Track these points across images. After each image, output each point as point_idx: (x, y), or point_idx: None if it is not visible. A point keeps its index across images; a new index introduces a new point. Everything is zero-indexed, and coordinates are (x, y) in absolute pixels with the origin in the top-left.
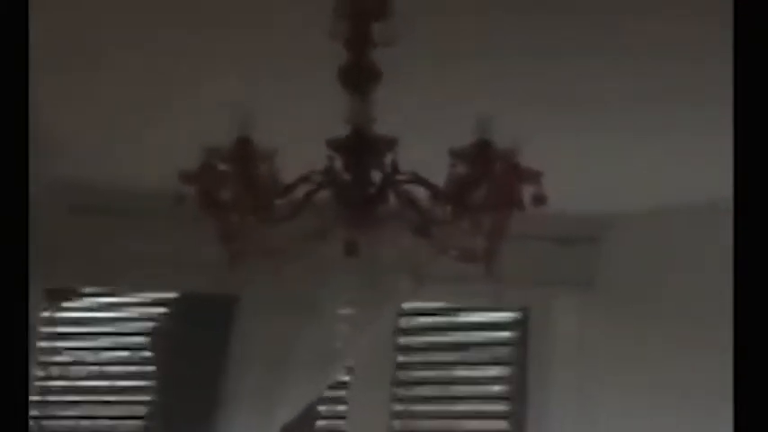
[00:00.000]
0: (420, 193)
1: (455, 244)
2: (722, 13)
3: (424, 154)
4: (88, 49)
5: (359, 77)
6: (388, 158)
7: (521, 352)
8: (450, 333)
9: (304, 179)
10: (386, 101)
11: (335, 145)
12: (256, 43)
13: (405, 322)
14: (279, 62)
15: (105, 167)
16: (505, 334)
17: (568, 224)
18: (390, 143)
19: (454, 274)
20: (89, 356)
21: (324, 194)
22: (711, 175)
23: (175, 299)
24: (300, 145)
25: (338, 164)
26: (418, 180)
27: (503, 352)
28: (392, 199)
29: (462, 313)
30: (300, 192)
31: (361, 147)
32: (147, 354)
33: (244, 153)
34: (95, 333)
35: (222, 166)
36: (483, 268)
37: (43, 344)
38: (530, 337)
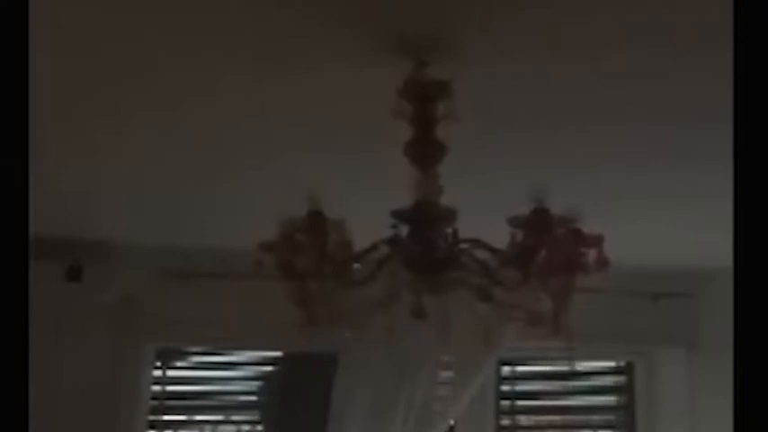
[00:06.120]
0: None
1: (521, 308)
2: None
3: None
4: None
5: (424, 152)
6: (451, 227)
7: (628, 411)
8: (555, 397)
9: (373, 248)
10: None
11: (400, 215)
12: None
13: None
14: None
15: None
16: (612, 397)
17: (667, 280)
18: (451, 213)
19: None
20: (198, 415)
21: (393, 262)
22: None
23: (280, 358)
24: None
25: (404, 233)
26: (481, 245)
27: (609, 413)
28: (458, 265)
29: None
30: (372, 259)
31: (424, 217)
32: (255, 412)
33: (316, 225)
34: (203, 393)
35: (298, 237)
36: (550, 330)
37: (154, 402)
38: (636, 394)
